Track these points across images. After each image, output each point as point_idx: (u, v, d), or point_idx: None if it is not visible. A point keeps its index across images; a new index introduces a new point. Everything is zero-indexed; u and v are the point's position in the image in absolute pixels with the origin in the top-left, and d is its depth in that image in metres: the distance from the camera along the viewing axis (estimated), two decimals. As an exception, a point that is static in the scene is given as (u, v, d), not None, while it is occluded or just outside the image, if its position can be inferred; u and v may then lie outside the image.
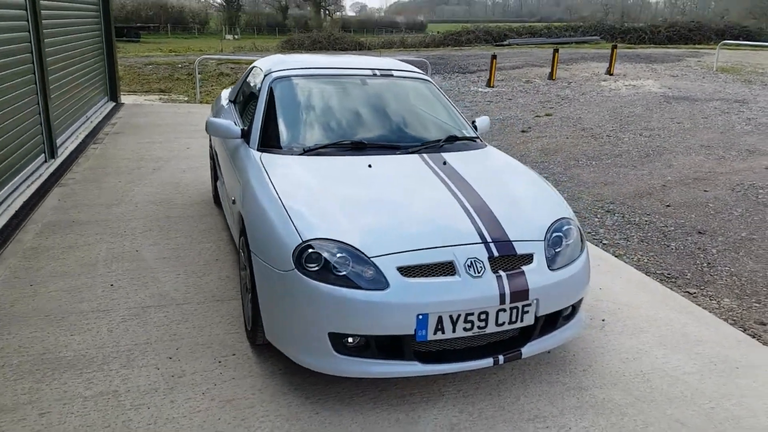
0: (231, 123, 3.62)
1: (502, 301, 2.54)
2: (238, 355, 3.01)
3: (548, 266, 2.71)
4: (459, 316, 2.49)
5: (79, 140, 7.98)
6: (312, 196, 2.86)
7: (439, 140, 3.60)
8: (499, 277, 2.56)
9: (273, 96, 3.71)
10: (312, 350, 2.53)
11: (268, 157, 3.29)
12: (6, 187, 5.22)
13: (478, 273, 2.54)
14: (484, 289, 2.52)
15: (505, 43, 31.02)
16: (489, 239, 2.68)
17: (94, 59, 9.86)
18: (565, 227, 2.93)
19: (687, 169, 6.79)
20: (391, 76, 4.05)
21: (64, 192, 5.63)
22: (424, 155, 3.39)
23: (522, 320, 2.63)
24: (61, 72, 7.25)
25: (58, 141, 7.17)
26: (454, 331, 2.51)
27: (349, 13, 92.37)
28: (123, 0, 56.78)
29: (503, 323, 2.59)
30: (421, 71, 4.33)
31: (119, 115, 10.04)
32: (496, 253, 2.63)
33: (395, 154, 3.40)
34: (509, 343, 2.71)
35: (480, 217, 2.79)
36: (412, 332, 2.46)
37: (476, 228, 2.71)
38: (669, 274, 4.26)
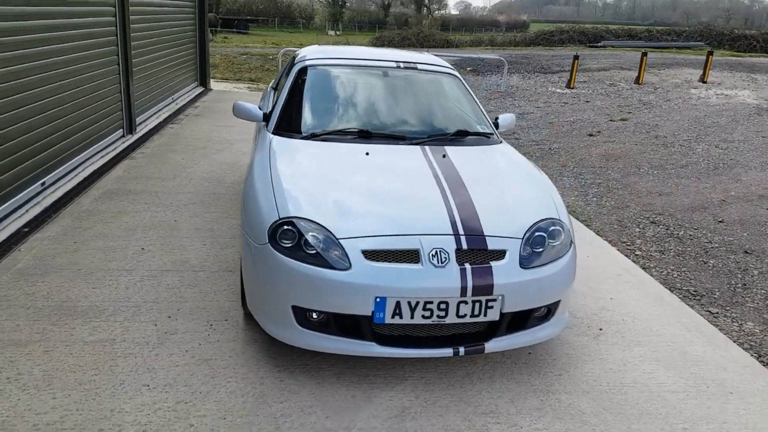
0: (255, 107, 3.85)
1: (463, 293, 2.56)
2: (230, 320, 3.22)
3: (521, 264, 2.69)
4: (417, 303, 2.55)
5: (161, 119, 8.63)
6: (302, 178, 3.01)
7: (446, 133, 3.64)
8: (463, 270, 2.59)
9: (296, 83, 3.90)
10: (277, 321, 2.69)
11: (278, 140, 3.48)
12: (81, 155, 5.79)
13: (442, 263, 2.58)
14: (444, 280, 2.56)
15: (599, 44, 29.75)
16: (461, 232, 2.70)
17: (185, 47, 10.57)
18: (552, 228, 2.89)
19: (755, 186, 6.31)
20: (415, 69, 4.11)
21: (131, 164, 6.15)
22: (426, 147, 3.44)
23: (486, 315, 2.63)
24: (144, 57, 7.85)
25: (138, 119, 7.81)
26: (412, 317, 2.57)
27: (453, 11, 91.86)
28: (237, -7, 59.81)
29: (465, 315, 2.61)
30: (448, 66, 4.35)
31: (204, 99, 10.72)
32: (465, 246, 2.66)
33: (398, 144, 3.48)
34: (475, 337, 2.73)
35: (459, 210, 2.82)
36: (370, 313, 2.55)
37: (451, 220, 2.75)
38: (695, 291, 4.03)
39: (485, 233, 2.73)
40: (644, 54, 14.46)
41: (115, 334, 3.03)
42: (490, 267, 2.63)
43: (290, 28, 52.34)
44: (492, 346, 2.72)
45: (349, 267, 2.55)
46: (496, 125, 4.11)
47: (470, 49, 26.13)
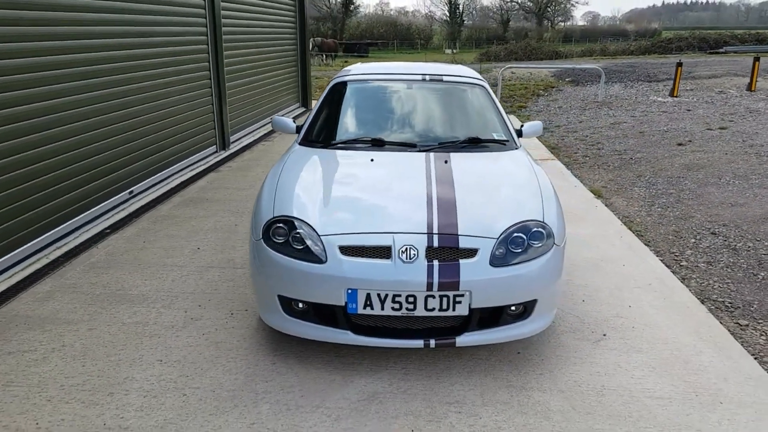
0: (290, 120, 4.24)
1: (430, 288, 2.72)
2: (249, 311, 3.59)
3: (491, 262, 2.79)
4: (387, 295, 2.74)
5: (257, 137, 9.45)
6: (304, 181, 3.32)
7: (457, 141, 3.79)
8: (430, 266, 2.74)
9: (326, 98, 4.25)
10: (268, 309, 3.00)
11: (298, 149, 3.84)
12: (171, 168, 6.57)
13: (410, 259, 2.76)
14: (412, 275, 2.72)
15: (720, 50, 27.36)
16: (436, 231, 2.86)
17: (286, 71, 11.44)
18: (534, 230, 2.95)
19: None
20: (441, 81, 4.29)
21: (216, 176, 6.85)
22: (432, 154, 3.61)
23: (454, 309, 2.76)
24: (238, 81, 8.66)
25: (234, 136, 8.63)
26: (382, 308, 2.76)
27: (580, 22, 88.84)
28: (359, 19, 62.53)
29: (433, 309, 2.76)
30: (477, 77, 4.47)
31: (303, 119, 11.49)
32: (436, 244, 2.81)
33: (407, 151, 3.68)
34: (448, 331, 2.86)
35: (440, 211, 2.97)
36: (343, 304, 2.78)
37: (428, 220, 2.91)
38: (731, 303, 3.79)
39: (459, 233, 2.86)
40: (756, 59, 13.24)
41: (150, 317, 3.51)
42: (458, 264, 2.76)
43: (409, 50, 53.69)
44: (463, 340, 2.83)
45: (325, 261, 2.80)
46: (520, 133, 4.17)
47: (576, 60, 25.32)
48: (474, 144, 3.81)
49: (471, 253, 2.81)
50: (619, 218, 5.35)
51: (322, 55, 33.04)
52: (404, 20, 63.82)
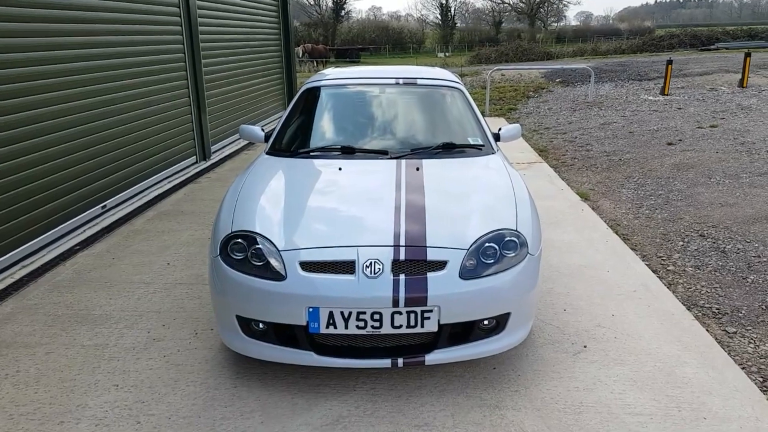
0: (258, 128, 4.09)
1: (395, 304, 2.56)
2: (215, 330, 3.42)
3: (461, 275, 2.64)
4: (351, 313, 2.58)
5: (240, 146, 9.28)
6: (266, 193, 3.16)
7: (430, 147, 3.64)
8: (396, 281, 2.59)
9: (295, 105, 4.10)
10: (227, 329, 2.84)
11: (263, 158, 3.69)
12: (147, 180, 6.41)
13: (375, 274, 2.60)
14: (376, 290, 2.57)
15: (712, 47, 27.32)
16: (402, 243, 2.70)
17: (270, 78, 11.30)
18: (507, 239, 2.80)
19: None
20: (415, 84, 4.15)
21: (194, 188, 6.69)
22: (403, 161, 3.47)
23: (423, 326, 2.61)
24: (218, 90, 8.51)
25: (216, 146, 8.48)
26: (346, 327, 2.60)
27: (573, 22, 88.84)
28: (351, 24, 62.51)
29: (401, 326, 2.60)
30: (453, 80, 4.33)
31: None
32: (402, 257, 2.66)
33: (378, 158, 3.53)
34: (417, 349, 2.70)
35: (407, 222, 2.82)
36: (305, 323, 2.62)
37: (395, 232, 2.76)
38: (718, 309, 3.64)
39: (427, 244, 2.71)
40: (748, 54, 13.11)
41: (111, 339, 3.35)
42: (426, 278, 2.61)
43: (401, 54, 53.59)
44: (433, 358, 2.68)
45: (285, 278, 2.65)
46: (497, 137, 4.03)
47: (566, 60, 25.22)
48: (448, 149, 3.66)
49: (440, 265, 2.66)
50: (605, 222, 5.21)
51: (313, 61, 32.92)
52: (396, 24, 63.77)
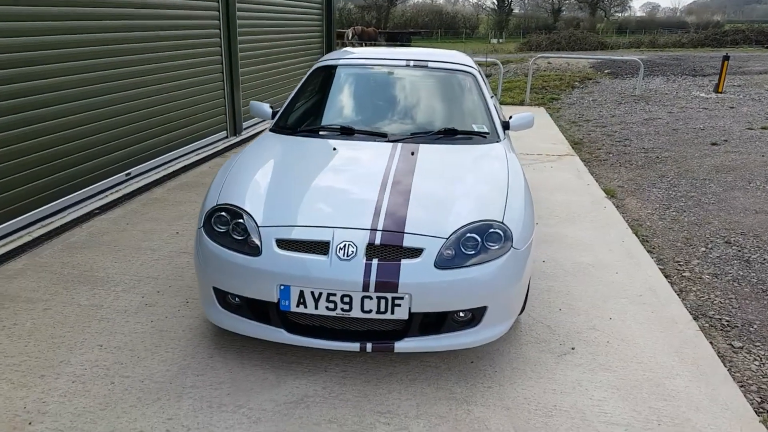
0: (266, 105, 4.09)
1: (366, 288, 2.53)
2: (206, 301, 3.47)
3: (437, 264, 2.58)
4: (321, 294, 2.56)
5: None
6: (258, 169, 3.16)
7: (432, 132, 3.56)
8: (368, 265, 2.55)
9: (304, 83, 4.08)
10: (206, 300, 2.87)
11: (266, 135, 3.69)
12: (176, 151, 6.55)
13: (347, 257, 2.57)
14: (347, 273, 2.54)
15: (779, 45, 25.78)
16: (380, 228, 2.66)
17: (309, 57, 11.30)
18: (491, 231, 2.71)
19: None
20: (425, 67, 4.06)
21: (220, 162, 6.79)
22: (399, 144, 3.40)
23: (393, 312, 2.57)
24: (253, 67, 8.55)
25: (247, 123, 8.57)
26: (316, 307, 2.59)
27: (639, 13, 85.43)
28: (404, 8, 61.94)
29: (370, 311, 2.57)
30: (466, 64, 4.21)
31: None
32: (378, 241, 2.61)
33: (376, 141, 3.48)
34: (388, 335, 2.67)
35: (390, 206, 2.77)
36: (276, 300, 2.62)
37: (375, 216, 2.71)
38: (728, 321, 3.44)
39: (405, 230, 2.65)
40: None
41: (107, 301, 3.45)
42: (399, 264, 2.56)
43: (454, 39, 52.77)
44: (403, 346, 2.64)
45: (260, 254, 2.65)
46: (507, 125, 3.91)
47: (619, 51, 24.26)
48: (450, 135, 3.57)
49: (415, 252, 2.60)
50: (626, 221, 5.01)
51: (362, 44, 32.77)
52: (450, 9, 62.76)
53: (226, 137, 7.89)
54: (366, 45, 32.37)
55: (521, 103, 11.57)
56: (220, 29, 7.39)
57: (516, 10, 62.84)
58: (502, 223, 2.75)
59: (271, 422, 2.46)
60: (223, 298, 2.78)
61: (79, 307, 3.36)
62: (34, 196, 4.53)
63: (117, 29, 5.34)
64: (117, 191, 5.46)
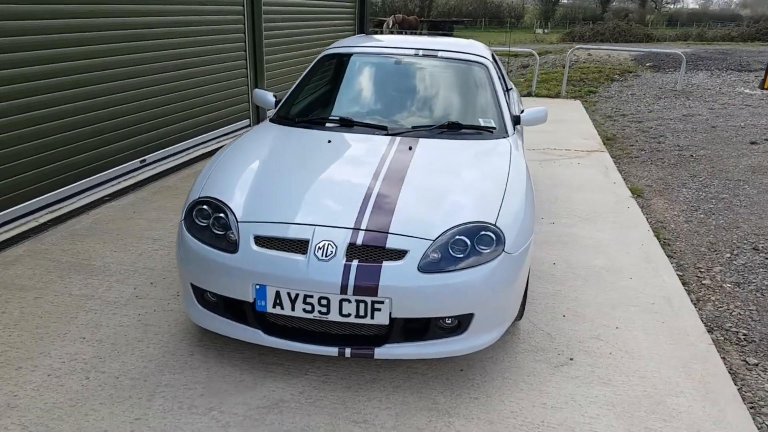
0: (270, 94, 3.98)
1: (344, 291, 2.39)
2: (197, 294, 3.40)
3: (421, 267, 2.43)
4: (297, 295, 2.44)
5: (299, 112, 9.26)
6: (246, 161, 3.05)
7: (434, 126, 3.39)
8: (347, 266, 2.42)
9: (308, 72, 3.95)
10: (185, 296, 2.78)
11: (263, 126, 3.58)
12: (195, 138, 6.53)
13: (326, 257, 2.44)
14: (324, 274, 2.41)
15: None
16: (363, 227, 2.52)
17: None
18: (481, 233, 2.54)
19: None
20: (435, 57, 3.87)
21: (238, 150, 6.73)
22: (397, 138, 3.24)
23: (373, 317, 2.43)
24: (277, 55, 8.47)
25: (270, 112, 8.48)
26: (293, 309, 2.47)
27: (691, 5, 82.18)
28: (448, -6, 61.03)
29: (349, 315, 2.44)
30: (480, 54, 4.00)
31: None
32: (359, 242, 2.47)
33: (374, 134, 3.33)
34: (368, 340, 2.53)
35: (376, 205, 2.63)
36: (252, 300, 2.51)
37: (359, 214, 2.57)
38: (745, 335, 3.19)
39: (389, 231, 2.51)
40: None
41: (98, 291, 3.41)
42: (380, 267, 2.42)
43: (498, 28, 51.75)
44: (383, 352, 2.50)
45: (236, 251, 2.54)
46: (518, 120, 3.71)
47: (662, 44, 23.30)
48: (453, 130, 3.40)
49: (398, 255, 2.45)
50: (649, 222, 4.74)
51: (403, 32, 32.50)
52: (496, -2, 61.54)
53: (249, 125, 7.84)
54: (405, 34, 32.07)
55: (557, 96, 11.20)
56: (244, 15, 7.32)
57: (564, 0, 61.28)
58: (495, 225, 2.58)
59: (240, 427, 2.36)
60: (202, 295, 2.69)
61: (70, 297, 3.33)
62: (43, 181, 4.54)
63: (140, 14, 5.32)
64: (131, 178, 5.46)
